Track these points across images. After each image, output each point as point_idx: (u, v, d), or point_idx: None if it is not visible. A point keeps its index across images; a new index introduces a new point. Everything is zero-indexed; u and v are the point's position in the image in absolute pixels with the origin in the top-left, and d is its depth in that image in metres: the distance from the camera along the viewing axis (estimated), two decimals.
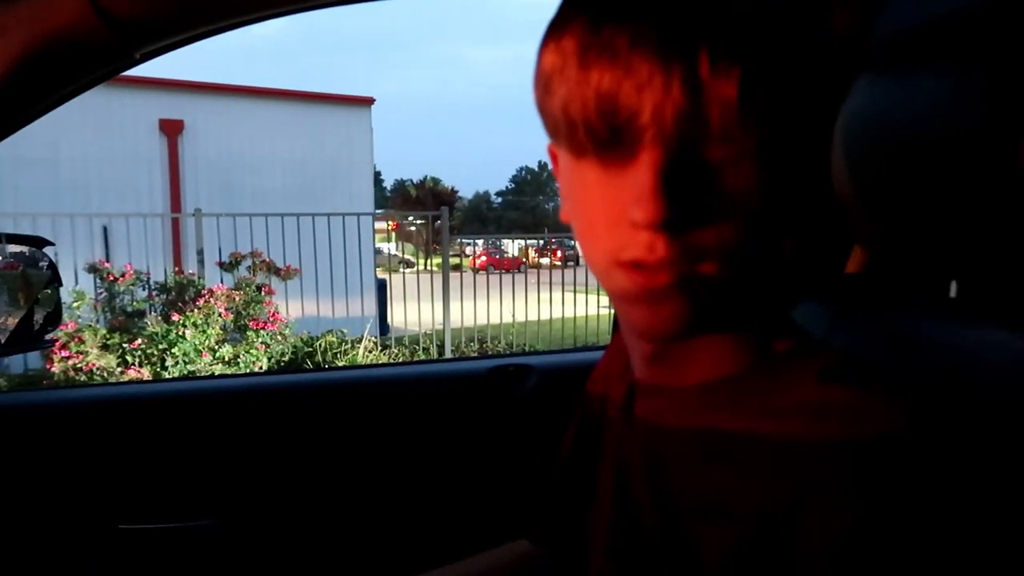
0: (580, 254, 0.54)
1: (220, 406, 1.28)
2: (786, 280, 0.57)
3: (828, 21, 0.51)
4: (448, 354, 6.42)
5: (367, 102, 11.67)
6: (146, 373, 4.58)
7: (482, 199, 64.10)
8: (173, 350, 4.66)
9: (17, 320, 1.19)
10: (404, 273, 7.49)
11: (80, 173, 8.80)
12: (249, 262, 5.67)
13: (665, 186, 0.43)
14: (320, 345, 5.65)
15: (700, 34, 0.41)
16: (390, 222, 13.19)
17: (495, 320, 6.96)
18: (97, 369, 4.54)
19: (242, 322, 5.09)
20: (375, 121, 11.72)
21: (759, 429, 0.48)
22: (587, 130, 0.45)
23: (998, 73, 0.54)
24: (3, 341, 1.17)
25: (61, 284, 1.28)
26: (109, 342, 4.75)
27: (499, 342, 7.05)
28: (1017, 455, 0.55)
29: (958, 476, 0.42)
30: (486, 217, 58.30)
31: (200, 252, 6.32)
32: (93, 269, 5.22)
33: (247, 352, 4.88)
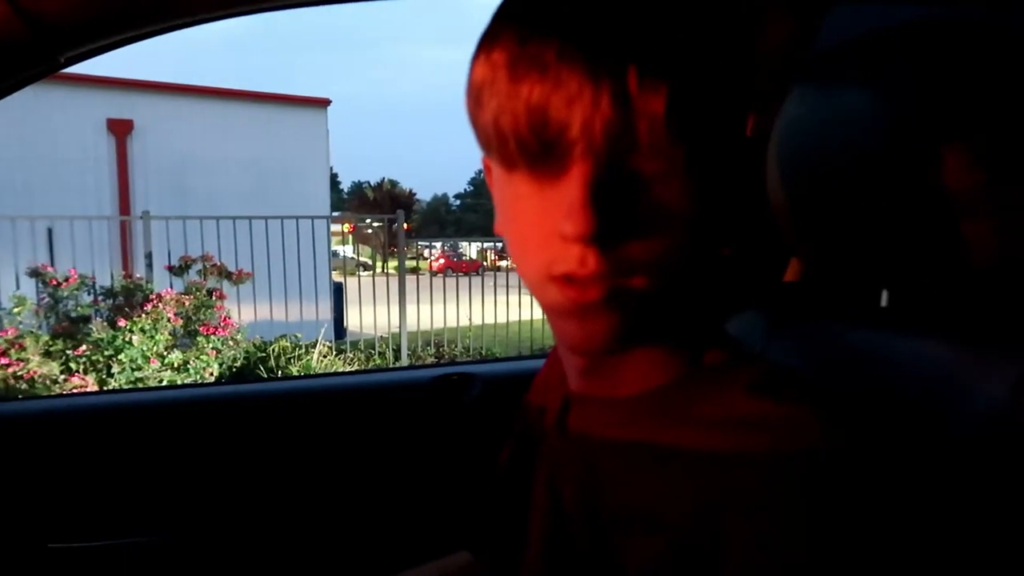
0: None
1: (161, 417, 1.25)
2: (720, 291, 0.57)
3: (758, 38, 0.51)
4: (404, 358, 6.38)
5: (323, 103, 11.55)
6: (91, 380, 4.45)
7: (440, 202, 63.87)
8: (120, 356, 4.53)
9: None
10: (360, 276, 7.42)
11: (22, 173, 8.53)
12: (199, 266, 5.56)
13: (595, 199, 0.43)
14: (273, 350, 5.57)
15: (628, 49, 0.41)
16: (346, 225, 13.06)
17: (452, 324, 6.95)
18: (39, 377, 4.39)
19: (192, 327, 4.98)
20: (332, 122, 11.62)
21: (686, 440, 0.48)
22: (518, 143, 0.45)
23: (921, 88, 0.55)
24: None
25: None
26: (52, 349, 4.60)
27: (456, 346, 7.03)
28: (940, 463, 0.56)
29: (878, 489, 0.43)
30: (445, 220, 58.12)
31: (148, 256, 6.17)
32: (35, 273, 5.05)
33: (197, 358, 4.78)
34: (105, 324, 4.81)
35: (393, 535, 1.27)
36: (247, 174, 10.10)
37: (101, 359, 4.59)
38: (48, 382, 4.37)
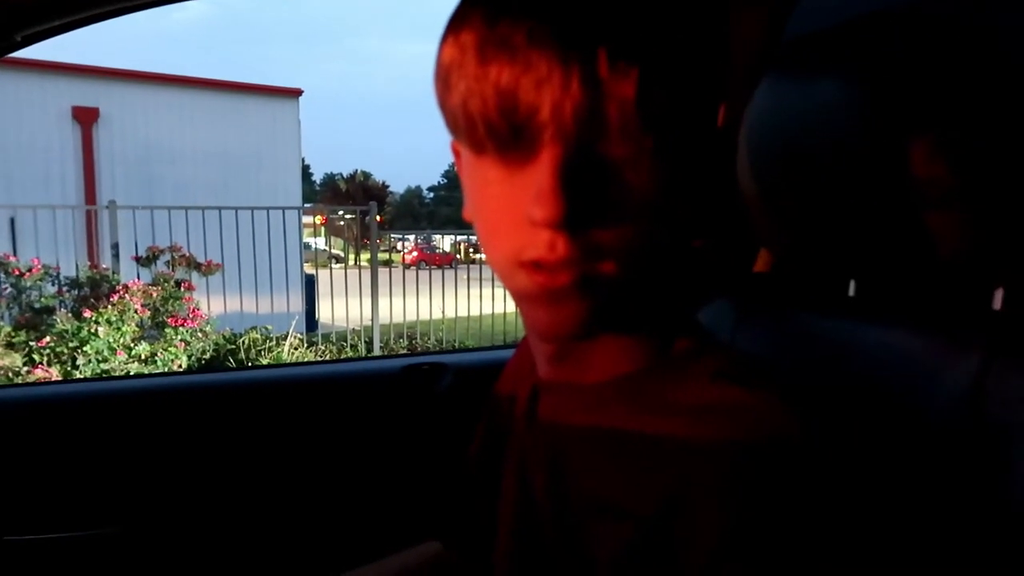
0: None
1: (125, 408, 1.23)
2: (689, 279, 0.57)
3: (731, 27, 0.51)
4: (376, 351, 6.34)
5: (295, 93, 11.40)
6: (55, 372, 4.36)
7: (414, 194, 63.56)
8: (85, 348, 4.46)
9: None
10: (332, 268, 7.36)
11: None
12: (168, 257, 5.47)
13: (564, 184, 0.42)
14: (244, 342, 5.51)
15: (599, 32, 0.41)
16: (318, 216, 12.94)
17: (425, 316, 6.92)
18: (1, 368, 4.30)
19: (160, 319, 4.91)
20: (304, 113, 11.48)
21: (653, 427, 0.48)
22: (486, 127, 0.44)
23: (889, 79, 0.56)
24: None
25: None
26: (14, 340, 4.51)
27: (429, 339, 7.01)
28: (904, 453, 0.57)
29: (843, 476, 0.43)
30: (418, 212, 57.86)
31: (115, 246, 6.06)
32: None
33: (165, 350, 4.71)
34: (69, 315, 4.72)
35: (363, 525, 1.26)
36: (217, 164, 9.95)
37: (65, 351, 4.51)
38: (11, 374, 4.28)
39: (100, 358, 4.47)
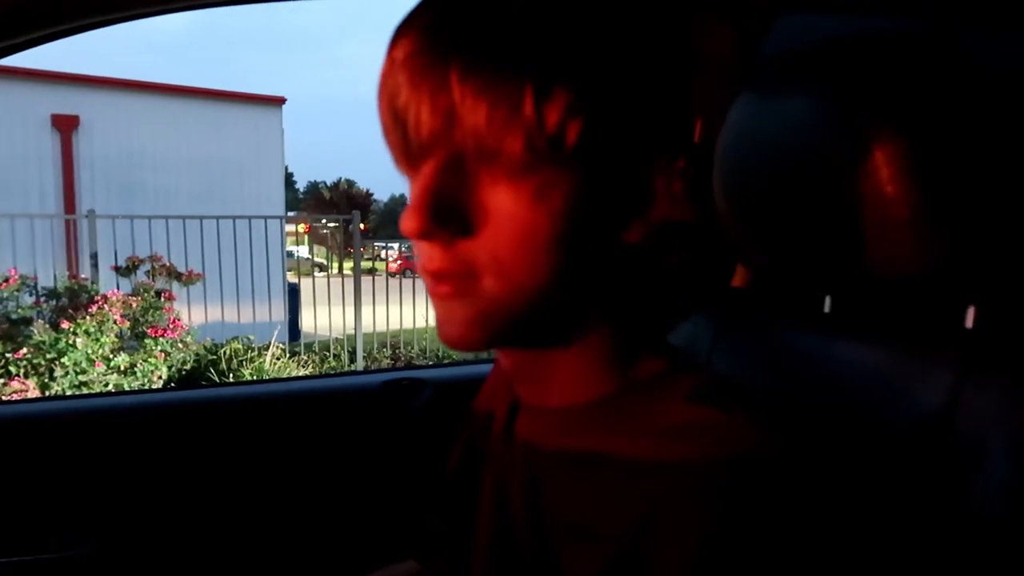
0: None
1: (98, 426, 1.21)
2: (655, 300, 0.57)
3: (704, 42, 0.51)
4: (359, 360, 6.31)
5: (278, 101, 11.35)
6: (32, 384, 4.30)
7: (398, 202, 63.40)
8: (63, 360, 4.39)
9: None
10: (316, 277, 7.33)
11: None
12: (148, 267, 5.42)
13: (431, 197, 0.44)
14: (225, 352, 5.46)
15: (457, 38, 0.42)
16: (302, 225, 12.89)
17: (409, 325, 6.89)
18: None
19: (140, 329, 4.85)
20: (287, 121, 11.45)
21: (625, 450, 0.48)
22: (392, 139, 0.47)
23: (860, 98, 0.56)
24: None
25: None
26: None
27: (412, 347, 6.98)
28: (878, 469, 0.57)
29: (815, 495, 0.43)
30: None
31: (94, 256, 6.00)
32: None
33: (145, 361, 4.65)
34: (47, 326, 4.65)
35: (342, 542, 1.25)
36: (199, 173, 9.88)
37: (43, 362, 4.44)
38: None
39: (78, 370, 4.41)
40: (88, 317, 4.59)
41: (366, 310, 6.44)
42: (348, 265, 7.03)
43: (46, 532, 1.14)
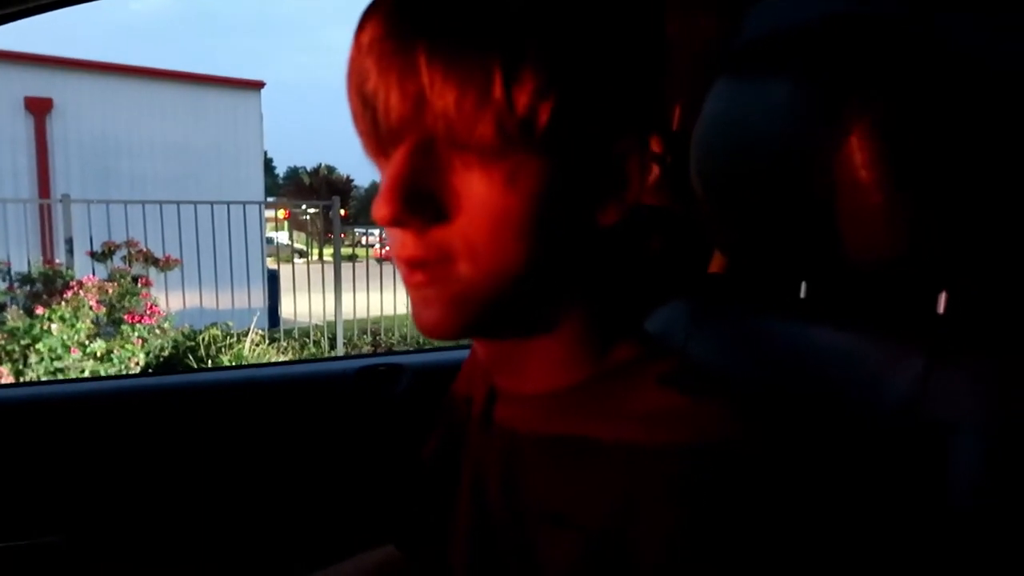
0: None
1: (65, 413, 1.19)
2: (631, 285, 0.57)
3: (683, 28, 0.51)
4: (340, 346, 6.29)
5: (256, 85, 11.22)
6: (6, 371, 4.24)
7: (378, 188, 63.06)
8: (37, 346, 4.34)
9: None
10: (295, 263, 7.28)
11: None
12: (124, 252, 5.36)
13: (402, 182, 0.44)
14: (203, 339, 5.41)
15: (429, 23, 0.42)
16: (282, 211, 12.78)
17: (389, 312, 6.87)
18: None
19: (116, 315, 4.80)
20: (267, 106, 11.31)
21: (602, 435, 0.48)
22: (362, 125, 0.46)
23: (832, 83, 0.56)
24: None
25: None
26: None
27: (393, 334, 6.96)
28: (850, 454, 0.57)
29: (786, 480, 0.44)
30: None
31: (69, 241, 5.91)
32: None
33: (122, 347, 4.61)
34: (21, 312, 4.59)
35: (319, 530, 1.24)
36: (176, 157, 9.75)
37: (17, 348, 4.38)
38: None
39: (54, 356, 4.36)
40: (63, 303, 4.53)
41: (346, 296, 6.41)
42: (328, 251, 6.99)
43: (18, 519, 1.13)
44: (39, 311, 4.46)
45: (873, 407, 0.56)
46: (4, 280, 5.01)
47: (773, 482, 0.43)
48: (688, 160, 0.72)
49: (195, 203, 5.85)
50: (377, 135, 0.46)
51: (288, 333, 6.33)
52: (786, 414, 0.62)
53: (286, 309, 6.99)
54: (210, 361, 5.17)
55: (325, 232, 7.48)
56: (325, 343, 6.30)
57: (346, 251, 7.50)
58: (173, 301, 5.61)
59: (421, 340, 6.90)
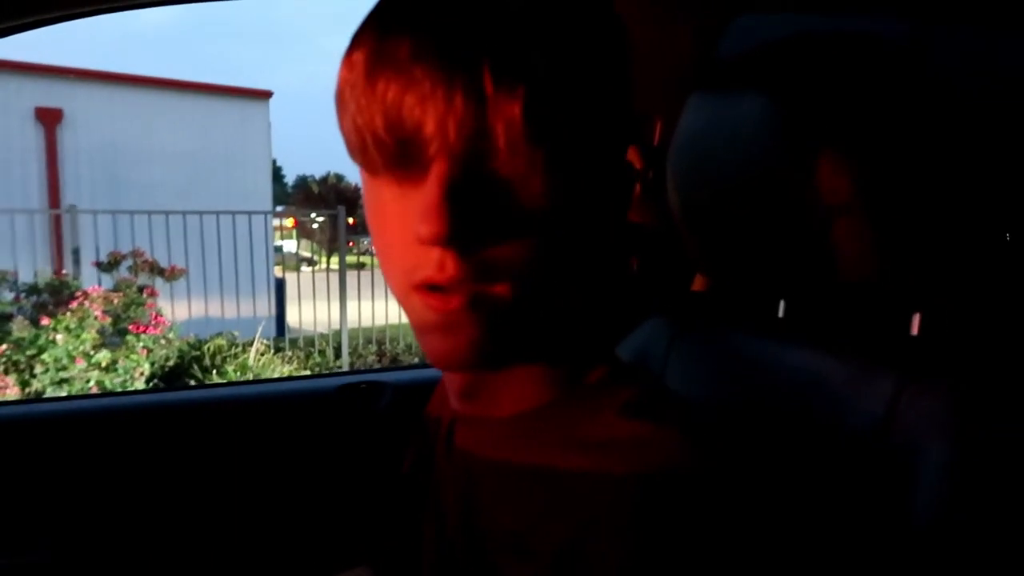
0: None
1: (54, 430, 1.19)
2: (611, 303, 0.56)
3: (660, 42, 0.50)
4: (345, 355, 6.29)
5: (264, 95, 11.29)
6: (12, 381, 4.27)
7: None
8: (43, 356, 4.36)
9: None
10: (301, 272, 7.30)
11: None
12: (130, 262, 5.39)
13: (450, 200, 0.41)
14: (208, 349, 5.43)
15: (483, 48, 0.40)
16: (290, 219, 12.84)
17: (395, 321, 6.87)
18: None
19: (121, 326, 4.82)
20: (276, 115, 11.38)
21: (559, 462, 0.47)
22: (376, 144, 0.43)
23: (804, 100, 0.55)
24: None
25: None
26: None
27: (398, 343, 6.97)
28: (818, 474, 0.56)
29: (743, 508, 0.43)
30: None
31: (76, 251, 5.96)
32: None
33: (127, 357, 4.62)
34: (27, 322, 4.62)
35: (295, 549, 1.24)
36: (185, 167, 9.81)
37: (23, 359, 4.41)
38: None
39: (59, 366, 4.38)
40: (68, 313, 4.55)
41: (352, 305, 6.42)
42: (335, 260, 7.00)
43: (15, 536, 1.13)
44: (45, 322, 4.49)
45: (843, 427, 0.55)
46: (11, 291, 5.04)
47: (729, 511, 0.42)
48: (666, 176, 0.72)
49: (202, 213, 5.88)
50: (401, 154, 0.43)
51: (293, 343, 6.34)
52: (758, 434, 0.61)
53: (292, 318, 7.02)
54: (215, 371, 5.18)
55: (333, 240, 7.49)
56: (330, 352, 6.31)
57: (352, 259, 7.51)
58: (179, 311, 5.64)
59: None
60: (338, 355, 6.32)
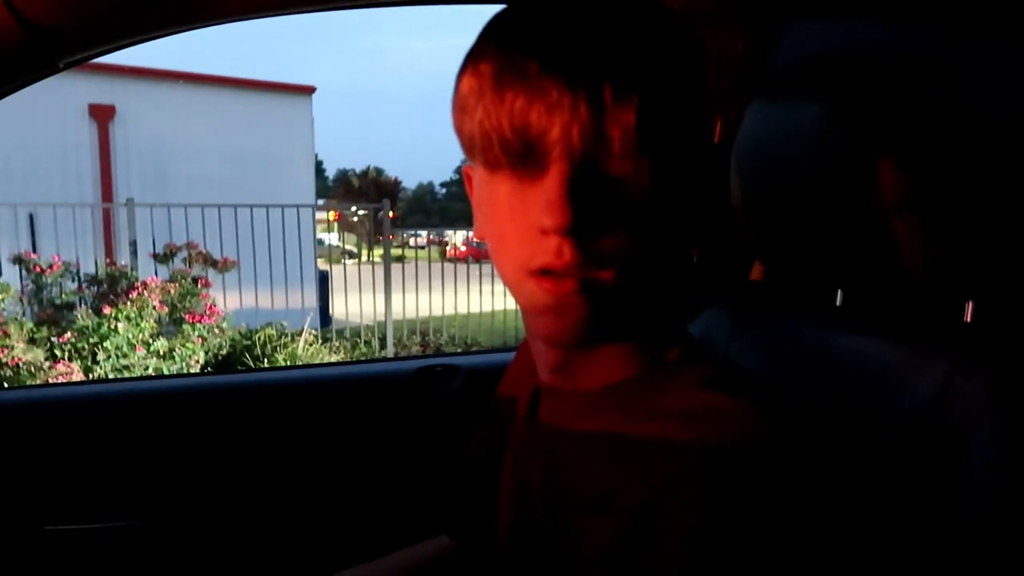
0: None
1: (150, 407, 1.28)
2: (683, 292, 0.62)
3: (724, 49, 0.56)
4: (390, 346, 6.40)
5: (307, 91, 11.48)
6: (76, 367, 4.45)
7: (426, 190, 63.52)
8: (105, 344, 4.53)
9: None
10: (345, 264, 7.43)
11: (3, 160, 8.44)
12: (184, 254, 5.55)
13: (571, 195, 0.47)
14: (259, 338, 5.57)
15: (604, 65, 0.47)
16: (332, 213, 13.00)
17: (438, 312, 6.97)
18: (24, 363, 4.39)
19: (177, 315, 4.98)
20: (318, 109, 11.55)
21: (640, 431, 0.52)
22: (501, 145, 0.49)
23: (862, 107, 0.60)
24: None
25: None
26: (36, 336, 4.59)
27: (441, 335, 7.06)
28: (874, 459, 0.61)
29: (814, 481, 0.47)
30: (430, 208, 57.73)
31: (133, 243, 6.15)
32: (18, 260, 5.04)
33: (183, 346, 4.78)
34: (90, 311, 4.80)
35: (374, 525, 1.31)
36: (231, 161, 10.03)
37: (86, 346, 4.59)
38: (33, 369, 4.36)
39: (120, 354, 4.54)
40: (129, 303, 4.72)
41: (396, 297, 6.52)
42: (378, 252, 7.11)
43: (103, 505, 1.22)
44: (106, 310, 4.66)
45: (900, 409, 0.59)
46: (73, 281, 5.23)
47: (801, 481, 0.47)
48: (727, 171, 0.77)
49: (251, 206, 6.02)
50: (525, 154, 0.49)
51: (340, 333, 6.48)
52: (820, 415, 0.66)
53: (337, 309, 7.15)
54: (266, 360, 5.32)
55: (374, 233, 7.60)
56: (376, 343, 6.43)
57: (395, 252, 7.60)
58: (230, 301, 5.79)
59: (469, 341, 6.99)
60: (383, 345, 6.44)
